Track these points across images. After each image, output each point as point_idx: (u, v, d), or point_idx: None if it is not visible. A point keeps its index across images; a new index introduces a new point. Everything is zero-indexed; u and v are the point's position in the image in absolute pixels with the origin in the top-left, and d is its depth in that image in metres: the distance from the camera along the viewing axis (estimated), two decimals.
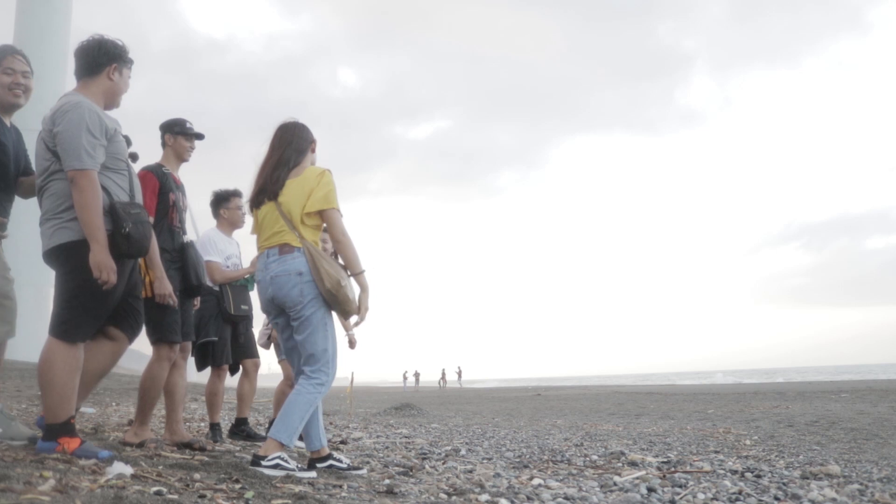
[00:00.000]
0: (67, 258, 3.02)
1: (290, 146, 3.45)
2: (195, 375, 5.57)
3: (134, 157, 3.67)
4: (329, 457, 3.39)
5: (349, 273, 3.36)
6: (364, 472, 3.43)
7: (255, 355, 5.22)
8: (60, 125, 2.99)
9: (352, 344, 5.48)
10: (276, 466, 3.09)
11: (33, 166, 3.31)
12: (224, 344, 4.92)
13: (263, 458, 3.11)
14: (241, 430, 5.09)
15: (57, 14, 20.87)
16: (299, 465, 3.21)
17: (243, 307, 5.00)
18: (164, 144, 4.24)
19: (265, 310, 3.46)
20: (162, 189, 3.94)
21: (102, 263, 2.94)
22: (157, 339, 3.84)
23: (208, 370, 5.04)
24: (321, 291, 3.27)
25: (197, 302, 4.35)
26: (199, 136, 4.28)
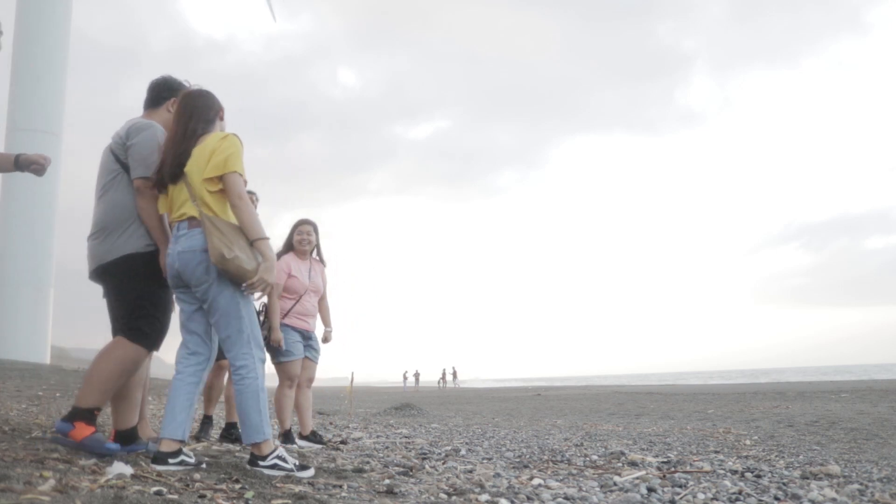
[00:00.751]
0: (134, 268, 3.26)
1: (195, 116, 3.29)
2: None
3: None
4: (180, 453, 3.05)
5: (251, 240, 3.08)
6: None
7: None
8: (135, 139, 3.31)
9: (325, 339, 5.46)
10: (274, 466, 3.06)
11: (97, 176, 3.49)
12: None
13: (260, 457, 3.09)
14: (230, 433, 5.05)
15: (57, 14, 20.88)
16: (296, 464, 3.18)
17: None
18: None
19: (172, 284, 3.24)
20: None
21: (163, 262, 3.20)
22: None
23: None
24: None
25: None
26: None
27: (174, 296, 3.33)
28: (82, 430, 3.07)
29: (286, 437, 5.23)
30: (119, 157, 3.35)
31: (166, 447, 3.00)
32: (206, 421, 5.05)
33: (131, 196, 3.31)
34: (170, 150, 3.23)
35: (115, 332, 4.00)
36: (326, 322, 5.57)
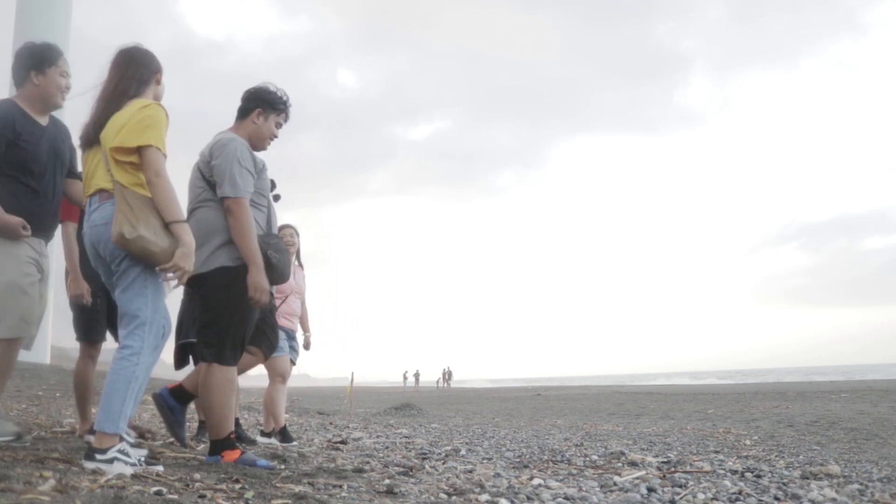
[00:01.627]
0: (218, 283, 3.28)
1: (127, 75, 2.99)
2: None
3: (276, 197, 4.00)
4: (114, 448, 2.76)
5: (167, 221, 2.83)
6: (128, 470, 2.66)
7: None
8: (218, 158, 3.31)
9: (307, 346, 5.47)
10: (112, 461, 2.67)
11: (187, 193, 3.48)
12: None
13: (99, 450, 2.71)
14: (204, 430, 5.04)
15: (57, 14, 20.87)
16: (142, 459, 2.88)
17: None
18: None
19: (94, 265, 3.02)
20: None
21: (258, 284, 3.24)
22: (78, 337, 4.03)
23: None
24: None
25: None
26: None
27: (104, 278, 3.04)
28: (231, 455, 3.27)
29: (283, 435, 5.24)
30: (205, 175, 3.38)
31: (100, 442, 2.72)
32: (203, 425, 5.03)
33: (219, 212, 3.31)
34: (95, 109, 2.97)
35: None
36: (305, 327, 5.61)
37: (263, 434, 5.27)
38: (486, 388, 45.65)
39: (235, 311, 3.29)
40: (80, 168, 3.36)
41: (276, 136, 3.62)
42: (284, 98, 3.59)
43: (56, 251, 4.04)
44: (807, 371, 78.33)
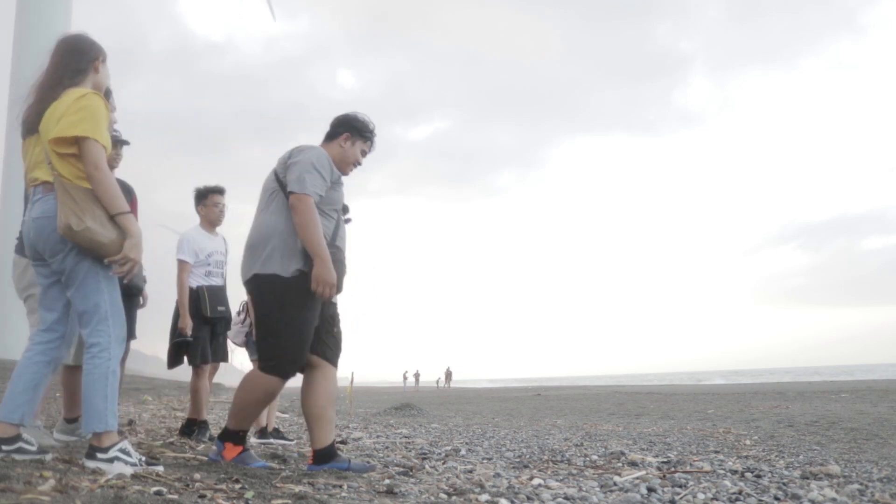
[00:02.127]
0: (264, 289, 3.30)
1: (62, 64, 2.90)
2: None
3: (347, 220, 4.06)
4: (18, 439, 2.77)
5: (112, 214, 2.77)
6: (129, 469, 2.66)
7: (223, 359, 5.25)
8: (297, 157, 3.34)
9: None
10: (113, 460, 2.66)
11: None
12: (199, 344, 4.92)
13: (99, 449, 2.70)
14: (191, 430, 5.05)
15: (57, 15, 20.87)
16: (143, 459, 2.85)
17: (220, 308, 5.03)
18: None
19: (29, 256, 2.95)
20: None
21: (322, 277, 3.20)
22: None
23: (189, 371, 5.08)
24: None
25: (142, 300, 4.51)
26: (125, 143, 4.36)
27: (34, 268, 2.97)
28: (231, 451, 3.36)
29: (262, 433, 5.26)
30: (279, 175, 3.40)
31: (99, 441, 2.70)
32: (202, 425, 5.03)
33: (281, 216, 3.32)
34: (33, 99, 2.89)
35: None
36: None
37: (261, 434, 5.28)
38: (486, 388, 45.64)
39: (290, 322, 3.27)
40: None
41: (359, 164, 3.67)
42: (372, 127, 3.66)
43: None
44: (807, 371, 78.35)
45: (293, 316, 3.27)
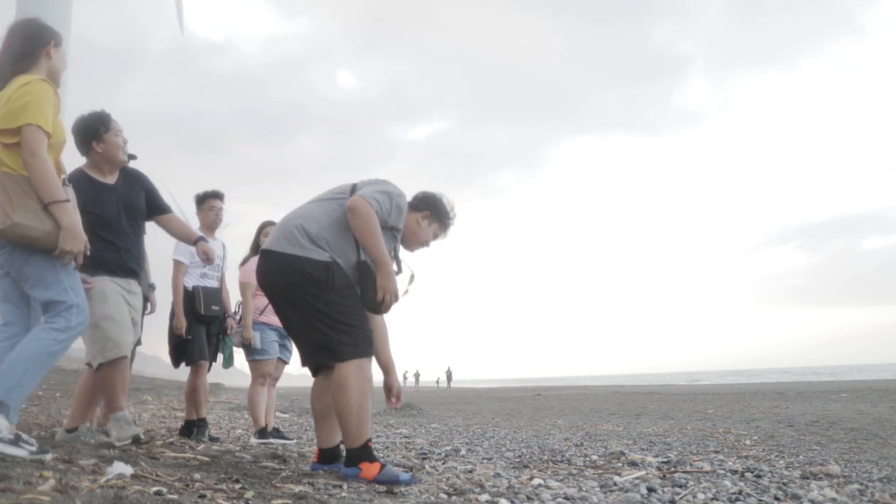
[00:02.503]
0: (323, 279, 3.11)
1: (10, 49, 2.82)
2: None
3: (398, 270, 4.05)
4: None
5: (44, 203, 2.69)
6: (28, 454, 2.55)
7: (214, 359, 5.28)
8: (380, 184, 3.29)
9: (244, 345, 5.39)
10: None
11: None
12: (196, 341, 4.97)
13: None
14: (191, 430, 5.06)
15: (57, 15, 20.87)
16: (10, 438, 2.59)
17: (214, 308, 5.07)
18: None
19: None
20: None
21: (387, 287, 3.15)
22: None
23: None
24: None
25: (149, 307, 4.72)
26: (133, 157, 4.43)
27: None
28: (370, 470, 3.04)
29: (262, 433, 5.28)
30: (357, 187, 3.30)
31: None
32: (201, 423, 5.04)
33: (324, 209, 3.24)
34: None
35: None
36: None
37: (261, 434, 5.28)
38: (486, 388, 45.64)
39: (352, 302, 3.16)
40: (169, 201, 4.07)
41: (427, 246, 3.57)
42: (453, 216, 3.57)
43: None
44: (807, 371, 78.35)
45: (340, 297, 3.14)
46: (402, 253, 3.51)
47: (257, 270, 3.32)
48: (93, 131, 3.75)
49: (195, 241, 3.98)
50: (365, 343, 3.16)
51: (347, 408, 3.08)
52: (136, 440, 3.63)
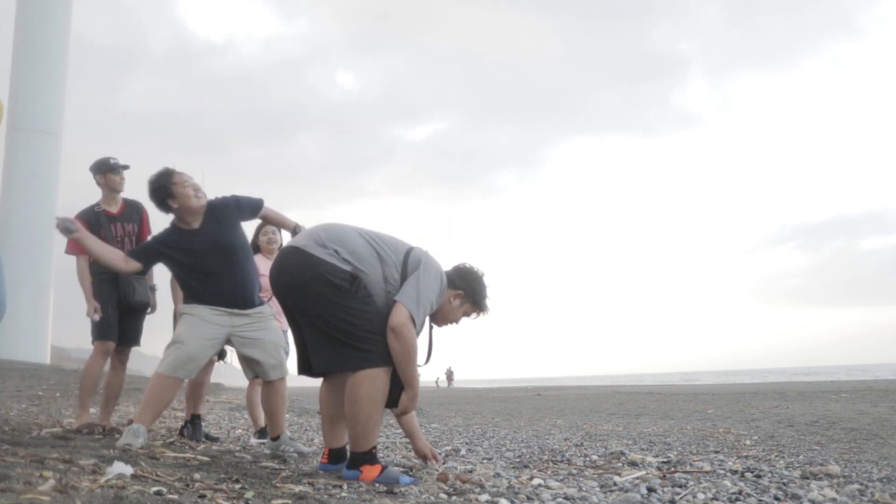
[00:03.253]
0: (342, 289, 3.08)
1: None
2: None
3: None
4: None
5: None
6: None
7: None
8: (427, 268, 3.24)
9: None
10: None
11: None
12: None
13: None
14: (189, 427, 5.05)
15: (57, 15, 20.87)
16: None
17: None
18: (98, 184, 4.91)
19: None
20: (91, 228, 4.52)
21: (408, 407, 3.33)
22: (94, 338, 4.75)
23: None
24: None
25: (150, 308, 5.00)
26: (125, 167, 4.91)
27: None
28: (370, 472, 3.07)
29: (262, 433, 5.28)
30: (408, 260, 3.26)
31: None
32: (196, 420, 5.03)
33: (378, 268, 3.22)
34: None
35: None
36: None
37: (260, 434, 5.28)
38: (486, 388, 45.64)
39: (373, 309, 3.11)
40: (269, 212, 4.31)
41: (456, 324, 3.52)
42: (488, 303, 3.51)
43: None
44: (807, 371, 78.31)
45: (364, 304, 3.10)
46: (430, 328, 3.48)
47: (274, 264, 3.26)
48: (163, 190, 3.94)
49: (292, 229, 4.21)
50: (383, 353, 3.09)
51: (356, 415, 3.07)
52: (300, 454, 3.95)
